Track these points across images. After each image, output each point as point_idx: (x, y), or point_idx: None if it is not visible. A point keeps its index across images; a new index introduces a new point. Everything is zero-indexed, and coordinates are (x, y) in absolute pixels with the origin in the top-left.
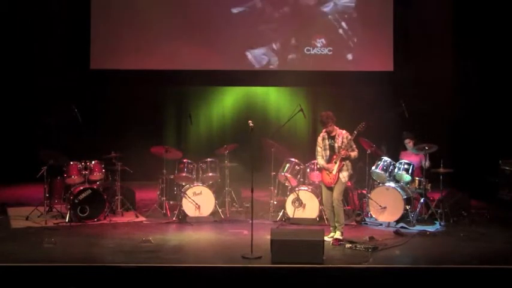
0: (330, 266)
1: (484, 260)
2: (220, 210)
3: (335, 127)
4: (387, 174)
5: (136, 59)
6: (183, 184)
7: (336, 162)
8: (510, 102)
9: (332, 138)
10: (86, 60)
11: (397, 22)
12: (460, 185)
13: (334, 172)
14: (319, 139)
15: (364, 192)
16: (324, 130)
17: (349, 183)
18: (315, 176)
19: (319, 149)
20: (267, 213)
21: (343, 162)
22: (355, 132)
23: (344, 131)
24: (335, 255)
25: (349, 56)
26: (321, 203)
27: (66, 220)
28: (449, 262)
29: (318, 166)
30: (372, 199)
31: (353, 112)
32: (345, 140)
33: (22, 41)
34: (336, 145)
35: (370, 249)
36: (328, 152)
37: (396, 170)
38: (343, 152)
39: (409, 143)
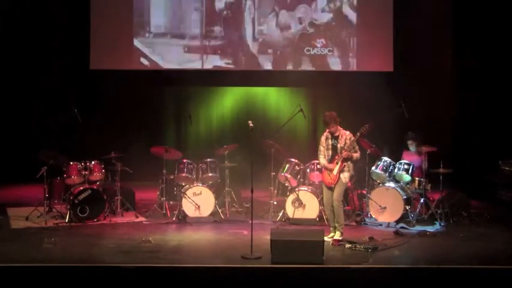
0: (330, 266)
1: (484, 260)
2: (220, 211)
3: (339, 127)
4: (387, 175)
5: (135, 59)
6: (183, 184)
7: (337, 163)
8: (510, 103)
9: (335, 138)
10: (85, 60)
11: (397, 22)
12: (460, 185)
13: (335, 173)
14: (323, 138)
15: (364, 192)
16: (327, 130)
17: (349, 184)
18: (315, 176)
19: (322, 148)
20: (266, 214)
21: (345, 163)
22: (359, 134)
23: (348, 132)
24: (335, 255)
25: (349, 56)
26: (320, 203)
27: (66, 220)
28: (449, 262)
29: (319, 166)
30: (371, 199)
31: (353, 112)
32: (347, 141)
33: (22, 41)
34: (339, 145)
35: (370, 249)
36: (330, 152)
37: (396, 170)
38: (344, 154)
39: (411, 145)
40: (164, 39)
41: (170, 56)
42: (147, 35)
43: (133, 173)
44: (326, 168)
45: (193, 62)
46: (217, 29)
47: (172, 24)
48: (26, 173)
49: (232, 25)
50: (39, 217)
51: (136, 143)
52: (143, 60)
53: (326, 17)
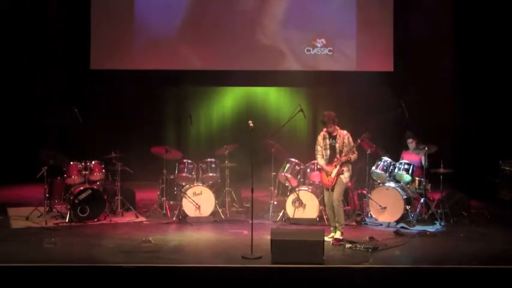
0: (330, 266)
1: (484, 260)
2: (220, 211)
3: (336, 127)
4: (387, 174)
5: (136, 59)
6: (183, 184)
7: (336, 166)
8: (510, 102)
9: (333, 138)
10: (86, 60)
11: (397, 22)
12: (460, 185)
13: (333, 176)
14: (319, 138)
15: (364, 192)
16: (324, 129)
17: (350, 184)
18: (315, 176)
19: (319, 148)
20: (267, 214)
21: (343, 168)
22: (359, 140)
23: (345, 132)
24: (335, 255)
25: (349, 56)
26: (321, 203)
27: (66, 220)
28: (449, 262)
29: (318, 166)
30: (372, 199)
31: (353, 112)
32: (345, 141)
33: (22, 41)
34: (337, 145)
35: (370, 249)
36: (328, 152)
37: (396, 170)
38: (344, 158)
39: (411, 143)
40: (156, 39)
41: (163, 56)
42: (138, 33)
43: (133, 173)
44: (324, 170)
45: (188, 61)
46: (208, 25)
47: (166, 23)
48: (26, 173)
49: (226, 22)
50: (40, 217)
51: (137, 143)
52: (139, 60)
53: (326, 16)
